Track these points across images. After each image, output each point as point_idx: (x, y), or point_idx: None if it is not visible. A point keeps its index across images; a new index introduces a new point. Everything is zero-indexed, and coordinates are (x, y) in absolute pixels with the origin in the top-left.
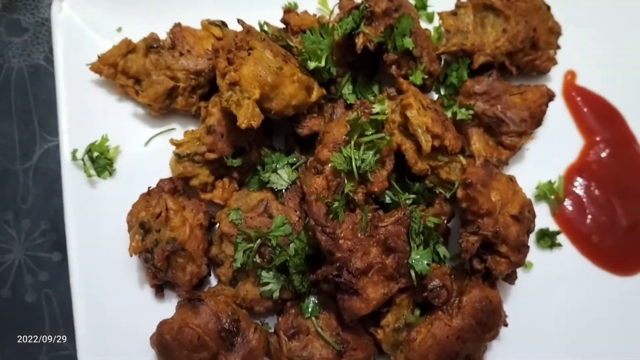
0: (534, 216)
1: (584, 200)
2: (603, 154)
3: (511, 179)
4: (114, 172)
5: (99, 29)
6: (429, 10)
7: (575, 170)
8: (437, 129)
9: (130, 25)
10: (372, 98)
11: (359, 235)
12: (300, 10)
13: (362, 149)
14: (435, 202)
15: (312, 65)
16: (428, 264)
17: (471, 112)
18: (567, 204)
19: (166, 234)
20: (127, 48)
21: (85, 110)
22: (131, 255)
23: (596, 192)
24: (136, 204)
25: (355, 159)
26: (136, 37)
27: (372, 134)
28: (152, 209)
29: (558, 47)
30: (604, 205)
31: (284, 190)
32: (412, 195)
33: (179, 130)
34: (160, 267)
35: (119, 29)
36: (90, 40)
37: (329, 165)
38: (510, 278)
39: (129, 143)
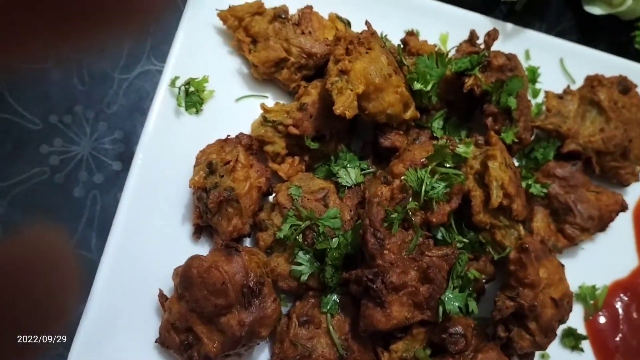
0: (571, 310)
1: (620, 317)
2: None
3: (562, 265)
4: (201, 111)
5: None
6: (537, 86)
7: (621, 286)
8: (512, 189)
9: None
10: (458, 141)
11: (404, 254)
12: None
13: (436, 177)
14: (481, 259)
15: (417, 86)
16: (459, 307)
17: (545, 190)
18: (603, 314)
19: (227, 182)
20: (258, 9)
21: (197, 48)
22: (190, 187)
23: (635, 314)
24: (211, 145)
25: (427, 183)
26: (270, 2)
27: (450, 167)
28: (224, 154)
29: None
30: (639, 330)
31: (346, 188)
32: (465, 240)
33: (270, 100)
34: (211, 208)
35: None
36: None
37: (401, 178)
38: (527, 358)
39: (223, 93)
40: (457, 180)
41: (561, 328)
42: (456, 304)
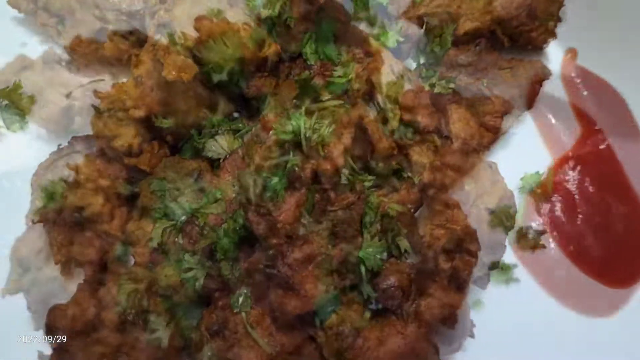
0: (515, 212)
1: (576, 197)
2: (602, 146)
3: (491, 167)
4: (26, 125)
5: None
6: None
7: (567, 162)
8: (409, 101)
9: None
10: (337, 61)
11: (302, 220)
12: None
13: (315, 116)
14: (401, 188)
15: (265, 13)
16: (382, 259)
17: (452, 85)
18: (555, 199)
19: (73, 202)
20: None
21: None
22: (27, 224)
23: (590, 188)
24: (43, 164)
25: (305, 128)
26: None
27: (328, 99)
28: (59, 171)
29: (559, 19)
30: (598, 204)
31: (221, 161)
32: (371, 177)
33: (108, 82)
34: (61, 241)
35: None
36: None
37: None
38: (482, 281)
39: (48, 93)
40: (341, 113)
41: (514, 232)
42: (378, 256)
